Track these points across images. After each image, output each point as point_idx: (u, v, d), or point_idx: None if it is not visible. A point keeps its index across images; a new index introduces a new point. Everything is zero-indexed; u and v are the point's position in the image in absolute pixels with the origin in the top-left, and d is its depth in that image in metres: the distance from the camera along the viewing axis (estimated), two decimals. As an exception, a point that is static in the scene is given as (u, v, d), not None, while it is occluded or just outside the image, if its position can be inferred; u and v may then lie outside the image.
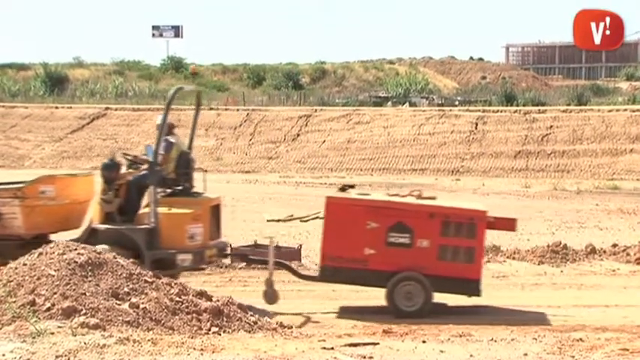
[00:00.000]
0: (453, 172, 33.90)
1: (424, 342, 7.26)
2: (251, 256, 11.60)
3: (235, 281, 12.45)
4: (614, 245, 14.88)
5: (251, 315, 8.32)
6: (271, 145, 38.32)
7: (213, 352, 6.33)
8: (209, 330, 7.56)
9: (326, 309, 10.58)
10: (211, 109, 44.22)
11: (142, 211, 10.53)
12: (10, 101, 50.34)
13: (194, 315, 7.73)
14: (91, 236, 10.31)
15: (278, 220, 13.66)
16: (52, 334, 6.56)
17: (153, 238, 10.25)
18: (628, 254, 14.27)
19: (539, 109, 40.40)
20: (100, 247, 9.44)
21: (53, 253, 7.84)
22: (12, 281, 7.55)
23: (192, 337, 6.88)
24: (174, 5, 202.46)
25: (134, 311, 7.34)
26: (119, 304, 7.39)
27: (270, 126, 40.27)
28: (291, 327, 8.51)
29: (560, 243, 14.54)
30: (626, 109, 38.44)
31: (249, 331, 7.77)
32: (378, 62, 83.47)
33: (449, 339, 7.46)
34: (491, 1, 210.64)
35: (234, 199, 24.10)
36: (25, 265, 7.78)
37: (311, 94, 57.55)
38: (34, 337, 6.46)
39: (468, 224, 10.41)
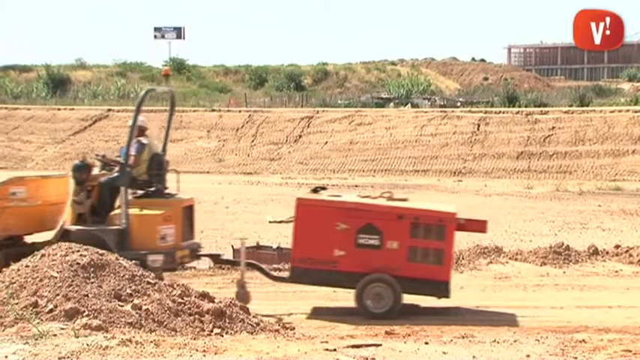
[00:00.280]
0: (455, 173, 33.88)
1: (427, 343, 7.25)
2: (223, 256, 11.66)
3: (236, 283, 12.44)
4: (617, 246, 14.86)
5: (253, 316, 8.33)
6: (273, 147, 38.33)
7: (215, 353, 6.33)
8: (211, 331, 7.56)
9: (297, 309, 10.58)
10: (213, 110, 44.26)
11: (113, 212, 10.59)
12: (13, 103, 50.41)
13: (196, 316, 7.73)
14: (64, 237, 10.37)
15: (280, 222, 13.72)
16: (55, 335, 6.56)
17: (124, 238, 10.31)
18: (631, 255, 14.25)
19: (541, 110, 40.38)
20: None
21: (56, 254, 7.84)
22: (14, 283, 7.55)
23: (194, 339, 6.88)
24: (177, 7, 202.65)
25: (137, 313, 7.34)
26: (122, 306, 7.39)
27: (273, 127, 40.28)
28: (294, 328, 8.51)
29: (563, 244, 14.51)
30: (628, 110, 38.42)
31: (252, 333, 7.77)
32: (380, 63, 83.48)
33: (451, 340, 7.46)
34: (494, 3, 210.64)
35: (236, 200, 24.12)
36: (27, 266, 7.78)
37: (313, 96, 57.58)
38: (36, 339, 6.47)
39: (437, 226, 10.44)
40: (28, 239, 11.00)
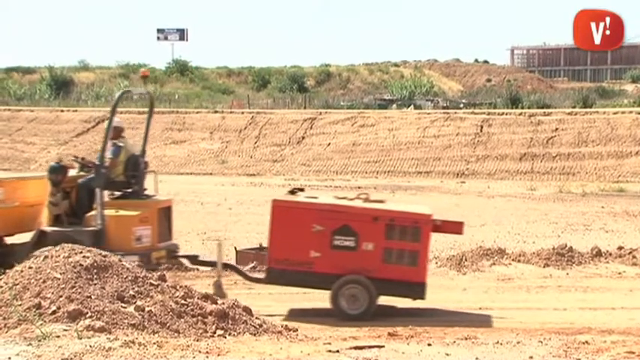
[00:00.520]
0: (458, 174, 33.87)
1: (429, 345, 7.25)
2: (201, 257, 11.69)
3: (240, 284, 12.45)
4: (620, 248, 14.85)
5: (256, 318, 8.33)
6: (276, 148, 38.35)
7: (218, 354, 6.33)
8: (214, 333, 7.56)
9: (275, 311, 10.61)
10: (216, 112, 44.30)
11: (90, 213, 10.64)
12: (16, 105, 50.50)
13: (199, 318, 7.73)
14: (40, 238, 10.44)
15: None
16: (58, 337, 6.57)
17: (99, 240, 10.33)
18: (634, 257, 14.24)
19: (544, 112, 40.36)
20: (45, 250, 9.69)
21: (59, 256, 7.85)
22: (18, 284, 7.56)
23: (197, 340, 6.88)
24: (180, 8, 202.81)
25: (139, 314, 7.34)
26: (125, 307, 7.39)
27: (275, 129, 40.30)
28: (297, 330, 8.51)
29: (566, 245, 14.51)
30: (631, 112, 38.39)
31: (255, 334, 7.77)
32: (383, 65, 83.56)
33: (454, 342, 7.46)
34: (497, 4, 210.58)
35: (239, 201, 24.14)
36: (30, 268, 7.79)
37: (316, 97, 57.64)
38: (39, 340, 6.47)
39: (412, 227, 10.49)
40: (8, 240, 11.04)
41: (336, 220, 10.49)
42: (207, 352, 6.36)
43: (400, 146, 36.99)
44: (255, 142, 39.32)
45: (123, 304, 7.44)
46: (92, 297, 7.34)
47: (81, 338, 6.51)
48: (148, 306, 7.48)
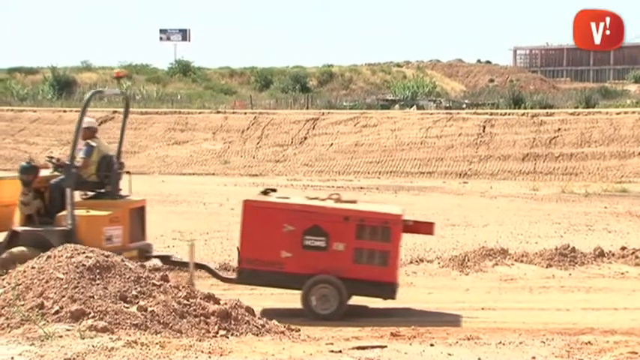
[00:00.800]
0: (460, 175, 33.86)
1: (432, 345, 7.25)
2: (173, 258, 11.73)
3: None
4: (623, 248, 14.84)
5: (259, 318, 8.33)
6: (279, 149, 38.35)
7: (221, 355, 6.33)
8: (217, 333, 7.56)
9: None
10: (219, 112, 44.31)
11: (61, 213, 10.68)
12: (19, 105, 50.55)
13: (202, 318, 7.74)
14: (12, 239, 10.47)
15: None
16: (61, 337, 6.57)
17: (69, 239, 10.35)
18: (637, 257, 14.22)
19: (547, 112, 40.33)
20: (17, 249, 9.71)
21: (62, 256, 7.86)
22: (20, 284, 7.57)
23: (200, 340, 6.88)
24: (182, 9, 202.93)
25: (142, 314, 7.34)
26: (127, 307, 7.40)
27: (278, 129, 40.30)
28: (299, 330, 8.52)
29: (569, 246, 14.49)
30: (634, 112, 38.36)
31: (257, 334, 7.78)
32: (386, 65, 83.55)
33: (457, 342, 7.46)
34: (499, 4, 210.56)
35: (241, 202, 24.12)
36: (33, 268, 7.80)
37: (318, 97, 57.66)
38: (42, 340, 6.48)
39: (382, 228, 10.53)
40: None
41: (307, 221, 10.55)
42: (209, 353, 6.36)
43: (403, 146, 36.98)
44: (258, 143, 39.33)
45: (125, 304, 7.45)
46: (95, 297, 7.34)
47: (83, 338, 6.52)
48: (150, 306, 7.49)
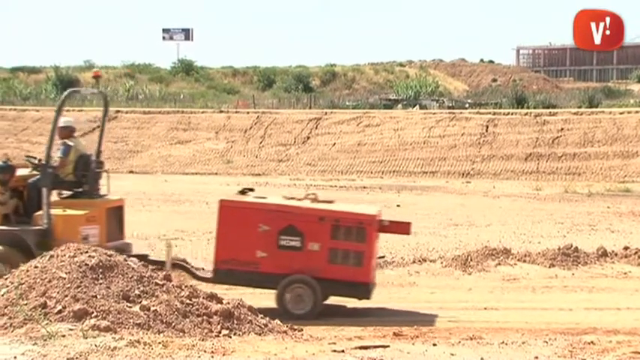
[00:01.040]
0: (463, 174, 33.84)
1: (435, 345, 7.25)
2: (150, 257, 11.78)
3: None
4: (626, 248, 14.82)
5: (261, 317, 8.33)
6: (281, 148, 38.36)
7: (223, 354, 6.33)
8: (219, 332, 7.56)
9: None
10: (221, 111, 44.31)
11: (38, 212, 10.72)
12: (22, 104, 50.58)
13: (205, 317, 7.74)
14: None
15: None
16: (64, 336, 6.58)
17: (45, 238, 10.40)
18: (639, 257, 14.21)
19: (550, 112, 40.30)
20: None
21: (64, 255, 7.87)
22: (23, 284, 7.58)
23: (202, 340, 6.89)
24: (185, 8, 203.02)
25: (145, 314, 7.35)
26: (130, 307, 7.40)
27: (281, 129, 40.31)
28: (302, 330, 8.52)
29: (572, 246, 14.48)
30: (637, 112, 38.32)
31: (260, 334, 7.78)
32: (389, 65, 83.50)
33: (459, 342, 7.46)
34: (502, 4, 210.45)
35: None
36: (36, 267, 7.81)
37: (321, 97, 57.64)
38: (45, 340, 6.49)
39: (357, 228, 10.56)
40: None
41: (282, 221, 10.57)
42: (212, 352, 6.37)
43: (405, 146, 36.97)
44: (261, 142, 39.33)
45: (128, 304, 7.45)
46: (97, 296, 7.35)
47: (86, 338, 6.52)
48: (153, 305, 7.49)
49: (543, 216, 21.16)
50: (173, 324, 7.40)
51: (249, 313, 8.17)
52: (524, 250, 14.88)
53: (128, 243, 11.54)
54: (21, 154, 40.43)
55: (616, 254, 14.46)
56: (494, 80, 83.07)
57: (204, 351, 6.38)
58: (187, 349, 6.37)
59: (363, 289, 10.58)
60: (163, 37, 79.65)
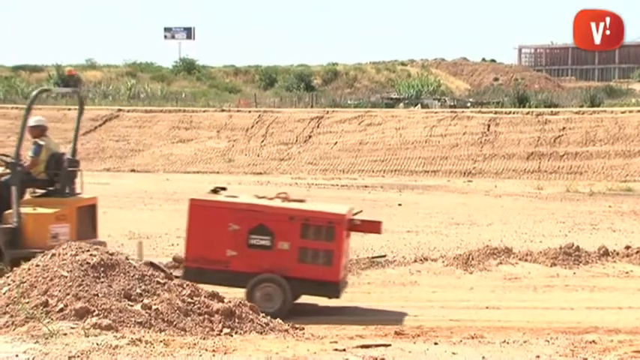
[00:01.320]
0: (465, 173, 33.83)
1: (436, 344, 7.25)
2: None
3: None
4: (628, 247, 14.82)
5: (263, 316, 8.34)
6: (283, 147, 38.35)
7: (225, 353, 6.34)
8: (221, 331, 7.57)
9: None
10: (223, 110, 44.30)
11: (8, 211, 10.76)
12: (24, 103, 50.56)
13: (206, 316, 7.75)
14: None
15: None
16: (65, 335, 6.58)
17: (15, 237, 10.46)
18: (641, 256, 14.20)
19: (551, 111, 40.27)
20: None
21: (66, 254, 7.88)
22: (25, 282, 7.59)
23: (204, 339, 6.89)
24: (187, 7, 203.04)
25: (146, 312, 7.36)
26: (131, 306, 7.41)
27: (282, 128, 40.30)
28: (303, 328, 8.52)
29: (573, 245, 14.48)
30: (639, 111, 38.27)
31: (261, 333, 7.79)
32: (390, 64, 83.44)
33: (461, 341, 7.46)
34: (504, 3, 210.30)
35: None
36: (37, 266, 7.82)
37: (323, 96, 57.59)
38: (46, 338, 6.49)
39: (326, 227, 10.61)
40: None
41: (252, 220, 10.64)
42: (213, 351, 6.37)
43: (407, 145, 36.95)
44: (262, 141, 39.32)
45: (130, 302, 7.46)
46: (99, 295, 7.36)
47: (88, 336, 6.53)
48: (154, 304, 7.50)
49: (545, 215, 21.15)
50: (174, 322, 7.41)
51: (251, 312, 8.18)
52: (525, 249, 14.89)
53: (102, 242, 11.59)
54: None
55: (617, 253, 14.46)
56: (496, 79, 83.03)
57: (206, 350, 6.38)
58: (189, 348, 6.37)
59: (333, 288, 10.64)
60: (165, 36, 79.64)
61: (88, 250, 7.97)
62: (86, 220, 11.20)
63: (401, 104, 52.34)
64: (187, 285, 8.23)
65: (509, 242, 15.51)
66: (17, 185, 10.75)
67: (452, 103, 53.65)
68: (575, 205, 24.04)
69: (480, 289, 12.28)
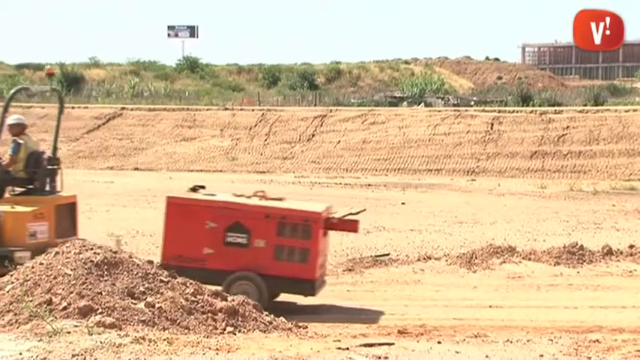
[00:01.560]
0: (468, 172, 33.81)
1: (439, 342, 7.25)
2: None
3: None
4: (631, 246, 14.79)
5: (266, 315, 8.34)
6: (286, 146, 38.35)
7: (228, 351, 6.34)
8: (224, 330, 7.58)
9: None
10: (226, 109, 44.32)
11: None
12: (27, 101, 50.64)
13: (209, 315, 7.75)
14: None
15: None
16: (69, 333, 6.59)
17: None
18: (645, 255, 14.18)
19: (555, 110, 40.23)
20: None
21: (69, 252, 7.89)
22: (29, 280, 7.60)
23: (207, 337, 6.90)
24: (190, 5, 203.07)
25: (150, 310, 7.36)
26: (135, 304, 7.42)
27: (286, 126, 40.30)
28: (306, 327, 8.53)
29: (577, 244, 14.45)
30: (643, 110, 38.23)
31: (265, 331, 7.79)
32: (394, 62, 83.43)
33: (464, 340, 7.46)
34: (508, 1, 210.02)
35: (250, 199, 24.13)
36: (41, 264, 7.83)
37: (326, 95, 57.60)
38: (50, 336, 6.50)
39: (302, 225, 10.64)
40: None
41: (229, 218, 10.65)
42: (217, 349, 6.37)
43: (410, 144, 36.94)
44: (266, 140, 39.34)
45: (133, 301, 7.47)
46: (103, 293, 7.37)
47: (91, 334, 6.54)
48: (158, 302, 7.51)
49: (548, 214, 21.13)
50: (178, 321, 7.41)
51: (254, 311, 8.18)
52: (529, 248, 14.87)
53: (82, 239, 11.60)
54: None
55: (621, 252, 14.43)
56: (500, 78, 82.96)
57: (209, 348, 6.38)
58: (192, 346, 6.38)
59: (308, 286, 10.65)
60: (168, 35, 79.73)
61: (92, 249, 7.98)
62: (65, 218, 11.19)
63: (404, 103, 52.32)
64: (191, 283, 8.24)
65: (513, 241, 15.49)
66: None
67: (455, 102, 53.63)
68: (579, 203, 24.02)
69: (483, 287, 12.26)
